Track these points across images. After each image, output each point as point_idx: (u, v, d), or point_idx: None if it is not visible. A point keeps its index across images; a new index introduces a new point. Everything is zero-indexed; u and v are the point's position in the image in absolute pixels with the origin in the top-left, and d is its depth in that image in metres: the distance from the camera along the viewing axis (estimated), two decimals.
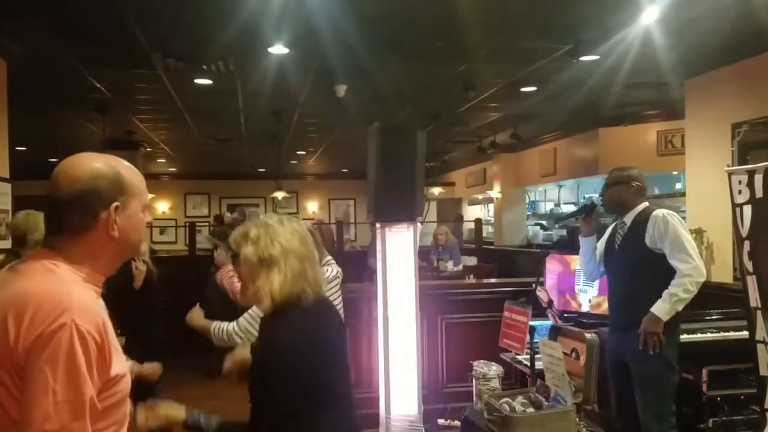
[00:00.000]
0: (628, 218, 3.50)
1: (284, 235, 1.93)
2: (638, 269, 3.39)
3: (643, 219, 3.41)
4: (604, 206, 3.75)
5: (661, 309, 3.24)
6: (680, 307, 3.26)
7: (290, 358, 1.82)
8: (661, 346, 3.24)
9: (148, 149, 10.82)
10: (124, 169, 1.46)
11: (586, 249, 3.72)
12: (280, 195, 11.33)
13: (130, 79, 6.07)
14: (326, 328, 1.96)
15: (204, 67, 5.48)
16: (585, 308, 4.39)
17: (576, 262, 4.51)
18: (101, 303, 1.41)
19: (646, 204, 3.52)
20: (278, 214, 2.08)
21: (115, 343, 1.37)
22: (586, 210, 3.72)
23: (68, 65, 5.40)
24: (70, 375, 1.24)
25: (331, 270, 3.53)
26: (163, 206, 15.65)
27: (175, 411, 1.95)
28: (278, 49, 4.94)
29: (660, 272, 3.29)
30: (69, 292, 1.30)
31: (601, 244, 3.71)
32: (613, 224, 3.69)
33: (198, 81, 6.00)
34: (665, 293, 3.24)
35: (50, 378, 1.23)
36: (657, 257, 3.31)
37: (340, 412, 1.92)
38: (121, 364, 1.40)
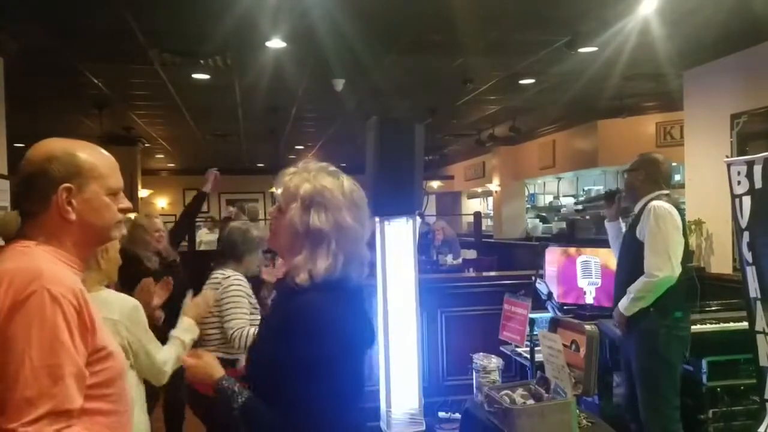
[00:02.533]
0: (637, 207, 3.45)
1: (342, 209, 1.60)
2: (632, 261, 3.36)
3: (643, 209, 3.36)
4: (624, 194, 3.68)
5: (622, 303, 3.30)
6: (640, 305, 3.24)
7: (332, 343, 1.52)
8: (625, 329, 3.29)
9: (146, 145, 10.80)
10: (85, 152, 1.43)
11: (611, 234, 3.73)
12: (278, 190, 11.33)
13: (127, 74, 6.05)
14: (363, 320, 1.71)
15: (201, 62, 5.47)
16: (589, 300, 4.39)
17: (578, 254, 4.52)
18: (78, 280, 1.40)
19: (657, 193, 3.39)
20: (334, 169, 1.71)
21: (99, 319, 1.37)
22: (606, 197, 3.72)
23: (66, 61, 5.38)
24: (44, 339, 1.22)
25: None
26: (162, 202, 15.64)
27: (214, 367, 1.72)
28: (276, 44, 4.93)
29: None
30: (39, 265, 1.30)
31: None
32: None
33: (195, 76, 5.99)
34: (630, 288, 3.27)
35: (25, 345, 1.21)
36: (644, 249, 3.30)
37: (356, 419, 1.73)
38: (109, 340, 1.39)
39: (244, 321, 3.12)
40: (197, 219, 9.94)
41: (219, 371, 1.69)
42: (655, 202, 3.30)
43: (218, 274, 3.24)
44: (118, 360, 1.41)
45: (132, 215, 4.04)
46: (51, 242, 1.39)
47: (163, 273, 4.02)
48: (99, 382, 1.33)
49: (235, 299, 3.16)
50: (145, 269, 3.70)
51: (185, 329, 2.52)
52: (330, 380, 1.51)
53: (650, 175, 3.42)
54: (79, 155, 1.41)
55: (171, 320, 3.41)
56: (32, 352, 1.20)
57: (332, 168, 1.71)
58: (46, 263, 1.32)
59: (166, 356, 2.36)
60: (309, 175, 1.66)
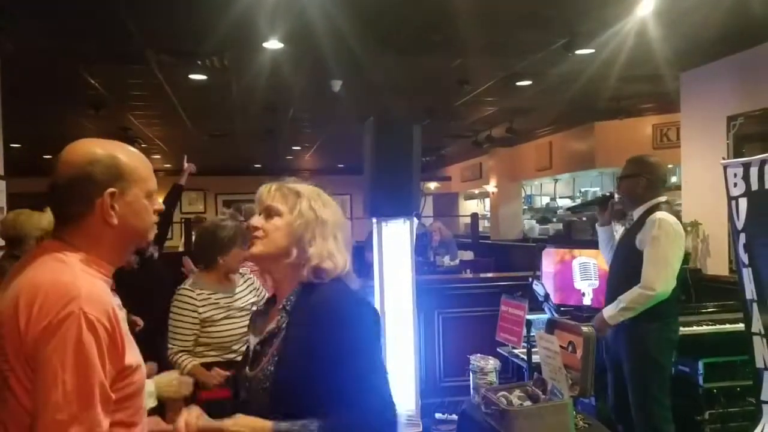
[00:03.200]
0: (636, 213, 3.41)
1: (332, 206, 1.72)
2: (627, 268, 3.34)
3: (644, 217, 3.32)
4: (619, 199, 3.61)
5: (607, 311, 3.28)
6: (627, 315, 3.23)
7: (370, 325, 1.58)
8: (605, 337, 3.29)
9: (143, 145, 10.76)
10: (125, 154, 1.42)
11: (602, 239, 3.69)
12: None
13: (124, 75, 6.04)
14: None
15: (199, 62, 5.46)
16: (586, 302, 4.40)
17: (574, 255, 4.52)
18: (111, 294, 1.39)
19: (659, 200, 3.37)
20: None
21: (128, 334, 1.36)
22: (600, 202, 3.67)
23: (62, 62, 5.37)
24: (78, 364, 1.23)
25: None
26: None
27: (254, 427, 1.50)
28: (273, 44, 4.92)
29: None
30: (77, 282, 1.28)
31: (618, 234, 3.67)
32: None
33: (192, 76, 5.98)
34: (619, 298, 3.24)
35: (59, 368, 1.21)
36: (641, 260, 3.26)
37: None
38: (135, 355, 1.39)
39: (182, 343, 3.03)
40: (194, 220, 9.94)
41: (261, 425, 1.50)
42: (660, 215, 3.26)
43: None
44: (142, 374, 1.41)
45: None
46: (88, 247, 1.38)
47: (141, 270, 4.04)
48: (122, 396, 1.33)
49: (174, 319, 3.06)
50: (126, 268, 3.72)
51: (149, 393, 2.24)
52: (376, 360, 1.58)
53: (652, 182, 3.38)
54: (121, 158, 1.40)
55: (144, 315, 3.40)
56: (66, 376, 1.21)
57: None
58: (84, 279, 1.31)
59: None
60: (295, 182, 1.73)
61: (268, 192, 1.68)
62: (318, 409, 1.49)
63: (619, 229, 3.72)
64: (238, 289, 3.20)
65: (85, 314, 1.24)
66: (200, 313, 3.04)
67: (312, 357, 1.51)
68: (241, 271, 3.29)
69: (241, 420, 1.51)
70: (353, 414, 1.48)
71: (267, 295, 3.15)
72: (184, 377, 2.29)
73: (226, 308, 3.10)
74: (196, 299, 3.06)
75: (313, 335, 1.52)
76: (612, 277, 3.54)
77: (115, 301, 1.37)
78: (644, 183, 3.37)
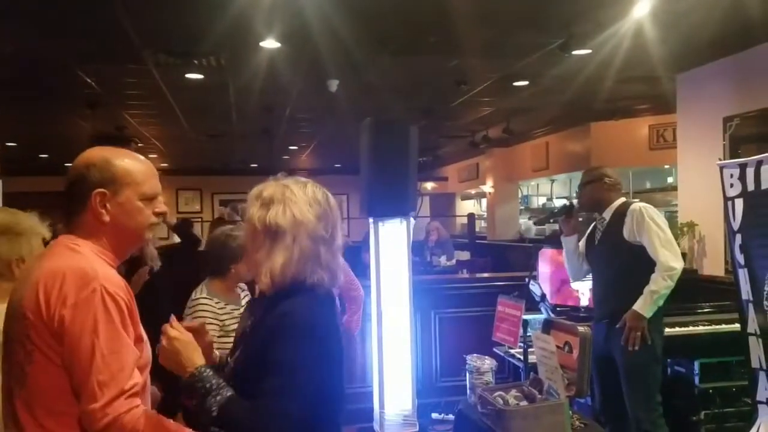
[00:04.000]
0: (607, 213, 3.55)
1: (301, 205, 1.62)
2: (618, 262, 3.43)
3: (621, 213, 3.46)
4: (580, 206, 3.76)
5: (643, 306, 3.27)
6: (661, 302, 3.29)
7: (309, 345, 1.52)
8: (644, 342, 3.27)
9: (139, 145, 10.74)
10: (122, 160, 1.59)
11: (568, 248, 3.75)
12: None
13: (120, 74, 6.02)
14: (337, 326, 1.69)
15: (195, 61, 5.45)
16: (584, 302, 4.40)
17: None
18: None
19: (623, 199, 3.58)
20: (306, 179, 1.72)
21: (137, 315, 1.55)
22: (565, 210, 3.75)
23: (58, 61, 5.35)
24: (109, 331, 1.43)
25: None
26: None
27: (194, 351, 1.61)
28: (270, 44, 4.92)
29: (639, 263, 3.33)
30: (93, 266, 1.48)
31: (582, 242, 3.74)
32: (594, 222, 3.71)
33: (189, 76, 5.97)
34: (646, 290, 3.28)
35: (93, 336, 1.41)
36: (636, 249, 3.35)
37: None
38: (143, 330, 1.58)
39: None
40: (192, 220, 9.92)
41: (198, 358, 1.58)
42: (638, 204, 3.44)
43: (194, 293, 2.98)
44: (148, 349, 1.59)
45: None
46: (91, 239, 1.56)
47: (127, 267, 3.99)
48: (138, 366, 1.51)
49: None
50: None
51: None
52: (313, 382, 1.51)
53: (612, 184, 3.57)
54: (115, 163, 1.57)
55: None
56: (101, 342, 1.41)
57: (302, 179, 1.73)
58: (97, 263, 1.50)
59: None
60: (275, 181, 1.70)
61: (249, 198, 1.70)
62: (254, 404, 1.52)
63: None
64: (243, 302, 3.13)
65: (106, 289, 1.44)
66: (223, 324, 2.90)
67: (255, 362, 1.55)
68: (240, 285, 3.17)
69: (185, 342, 1.59)
70: (260, 409, 1.48)
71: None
72: None
73: (238, 319, 2.91)
74: (216, 310, 2.92)
75: (260, 342, 1.56)
76: (602, 276, 3.58)
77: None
78: (606, 186, 3.56)
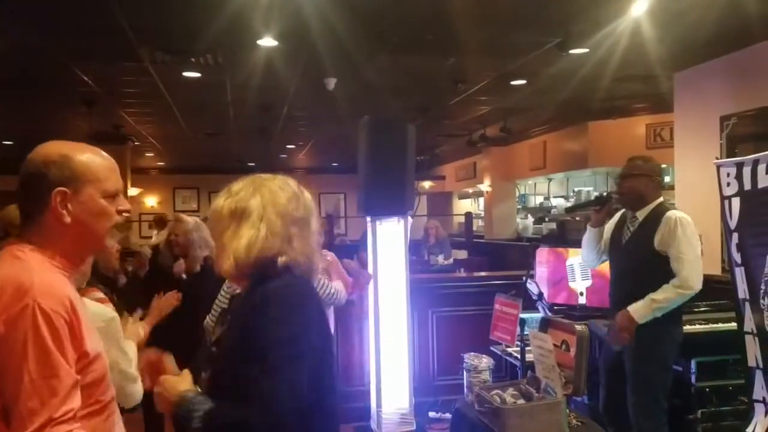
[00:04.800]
0: (641, 213, 3.37)
1: (271, 187, 1.59)
2: (643, 269, 3.29)
3: (654, 217, 3.30)
4: (620, 199, 3.52)
5: (637, 311, 3.19)
6: (659, 314, 3.19)
7: (287, 332, 1.45)
8: (628, 343, 3.21)
9: (136, 143, 10.74)
10: (83, 155, 1.46)
11: (591, 238, 3.60)
12: None
13: (117, 72, 6.01)
14: (321, 310, 1.61)
15: (192, 59, 5.44)
16: (581, 300, 4.41)
17: (568, 255, 4.53)
18: (71, 286, 1.43)
19: (661, 200, 3.39)
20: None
21: (88, 323, 1.42)
22: (600, 202, 3.58)
23: (55, 59, 5.33)
24: (39, 353, 1.29)
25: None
26: (151, 201, 15.57)
27: (176, 384, 1.56)
28: (267, 42, 4.91)
29: (664, 274, 3.22)
30: (31, 276, 1.33)
31: (606, 233, 3.59)
32: (621, 213, 3.55)
33: (186, 74, 5.96)
34: (648, 296, 3.18)
35: (22, 359, 1.28)
36: (664, 260, 3.24)
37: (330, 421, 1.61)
38: (95, 344, 1.43)
39: None
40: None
41: (177, 386, 1.53)
42: (677, 213, 3.28)
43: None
44: (101, 363, 1.45)
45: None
46: (47, 244, 1.43)
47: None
48: (86, 383, 1.38)
49: None
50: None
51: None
52: (298, 367, 1.45)
53: (657, 182, 3.39)
54: (76, 159, 1.44)
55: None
56: (29, 365, 1.28)
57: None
58: (38, 273, 1.36)
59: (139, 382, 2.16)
60: (249, 177, 1.66)
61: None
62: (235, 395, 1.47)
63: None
64: None
65: (39, 305, 1.30)
66: None
67: (231, 348, 1.52)
68: None
69: (169, 379, 1.55)
70: (248, 407, 1.43)
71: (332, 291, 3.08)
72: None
73: None
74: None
75: (236, 327, 1.53)
76: (622, 277, 3.46)
77: (74, 293, 1.41)
78: (652, 183, 3.37)
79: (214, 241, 1.62)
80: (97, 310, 2.15)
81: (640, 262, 3.33)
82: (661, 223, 3.26)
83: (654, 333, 3.24)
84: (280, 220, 1.54)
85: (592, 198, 3.76)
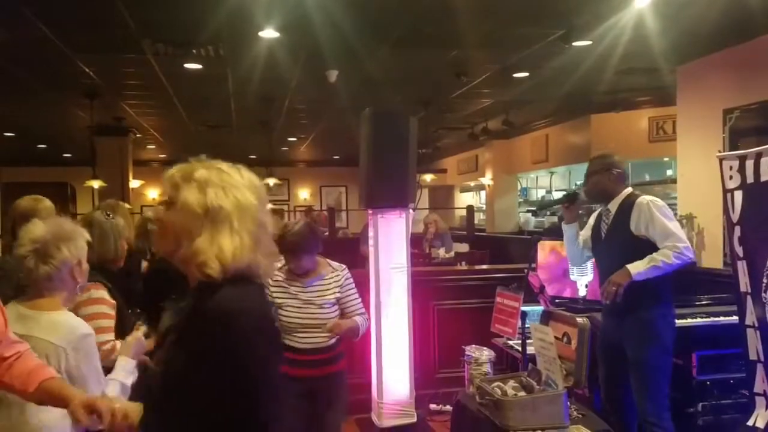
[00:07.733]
0: (613, 206, 3.49)
1: (241, 188, 1.47)
2: (626, 256, 3.36)
3: (627, 206, 3.41)
4: (587, 195, 3.71)
5: (636, 266, 3.25)
6: (653, 274, 3.22)
7: (250, 349, 1.33)
8: (617, 299, 3.23)
9: (137, 135, 10.73)
10: None
11: (569, 235, 3.73)
12: (271, 182, 11.29)
13: (119, 64, 6.00)
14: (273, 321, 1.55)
15: (194, 51, 5.43)
16: (582, 293, 4.41)
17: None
18: None
19: (629, 190, 3.52)
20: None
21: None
22: (569, 199, 3.73)
23: (57, 50, 5.33)
24: None
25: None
26: (153, 193, 15.56)
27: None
28: (269, 34, 4.90)
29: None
30: None
31: (585, 231, 3.71)
32: (598, 211, 3.68)
33: (188, 66, 5.95)
34: (648, 256, 3.25)
35: None
36: (643, 243, 3.30)
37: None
38: None
39: None
40: None
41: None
42: (646, 197, 3.39)
43: None
44: None
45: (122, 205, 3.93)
46: None
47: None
48: None
49: None
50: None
51: (127, 371, 2.17)
52: (270, 390, 1.36)
53: (620, 174, 3.52)
54: None
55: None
56: None
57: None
58: None
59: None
60: (201, 163, 1.53)
61: (165, 180, 1.51)
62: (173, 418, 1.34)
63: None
64: (316, 282, 3.16)
65: None
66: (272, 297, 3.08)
67: (169, 369, 1.38)
68: (333, 264, 3.26)
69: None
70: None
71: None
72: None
73: (293, 296, 3.12)
74: (270, 283, 3.06)
75: (179, 345, 1.37)
76: (608, 269, 3.49)
77: None
78: (615, 176, 3.49)
79: (176, 236, 1.44)
80: (68, 325, 2.07)
81: (622, 251, 3.40)
82: (633, 209, 3.36)
83: (649, 318, 3.29)
84: (256, 228, 1.44)
85: (563, 196, 3.87)
